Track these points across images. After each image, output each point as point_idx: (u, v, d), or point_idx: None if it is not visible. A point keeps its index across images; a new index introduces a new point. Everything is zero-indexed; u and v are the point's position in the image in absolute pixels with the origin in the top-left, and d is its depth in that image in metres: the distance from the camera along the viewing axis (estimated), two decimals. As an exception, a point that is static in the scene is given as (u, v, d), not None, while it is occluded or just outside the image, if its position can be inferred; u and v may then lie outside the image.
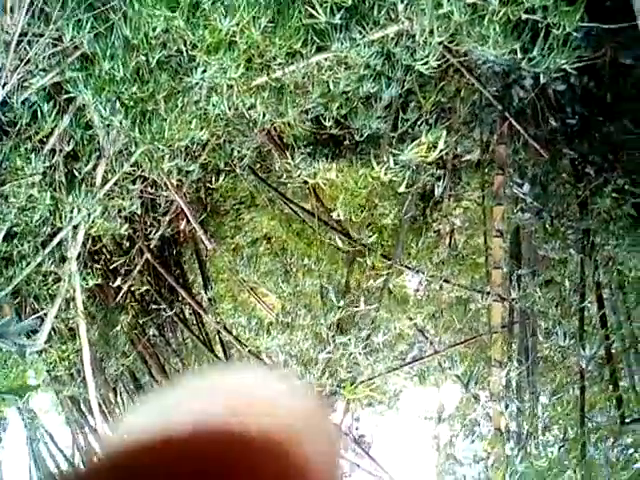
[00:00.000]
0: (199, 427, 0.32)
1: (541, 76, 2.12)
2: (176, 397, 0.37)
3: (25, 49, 2.01)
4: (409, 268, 4.02)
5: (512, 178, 2.94)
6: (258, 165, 4.30)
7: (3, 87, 1.78)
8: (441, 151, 2.39)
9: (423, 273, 4.37)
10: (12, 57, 1.79)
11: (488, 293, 3.14)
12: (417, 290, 4.98)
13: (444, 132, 2.58)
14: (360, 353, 3.93)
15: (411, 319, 4.96)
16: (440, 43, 2.03)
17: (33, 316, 3.72)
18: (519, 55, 2.04)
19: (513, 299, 3.07)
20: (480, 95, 3.63)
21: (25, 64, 1.87)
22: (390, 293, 4.63)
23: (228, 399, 0.35)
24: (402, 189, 2.84)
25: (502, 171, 3.59)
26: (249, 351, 3.63)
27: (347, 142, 3.56)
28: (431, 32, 1.96)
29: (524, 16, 1.95)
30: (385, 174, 2.80)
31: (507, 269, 3.22)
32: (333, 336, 3.84)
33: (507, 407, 3.08)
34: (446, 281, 3.72)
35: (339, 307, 3.86)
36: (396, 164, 2.81)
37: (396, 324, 4.64)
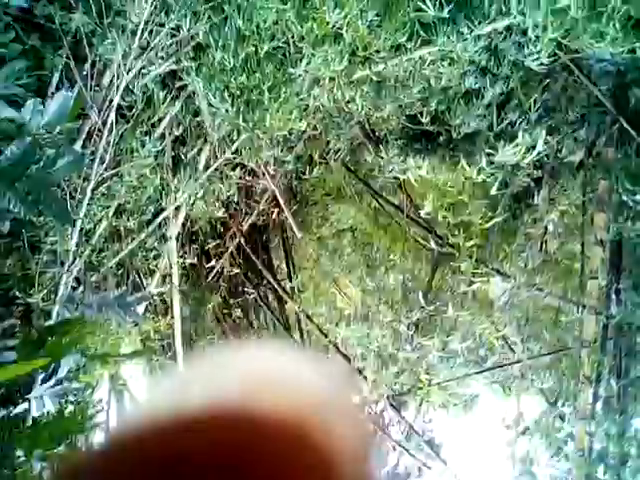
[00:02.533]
0: (214, 410, 0.30)
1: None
2: (192, 376, 0.35)
3: (147, 38, 2.15)
4: (499, 272, 3.88)
5: (622, 184, 2.75)
6: (348, 157, 4.33)
7: (127, 73, 1.94)
8: (539, 153, 2.29)
9: (512, 278, 4.21)
10: (136, 45, 1.93)
11: (583, 305, 2.97)
12: (503, 295, 4.81)
13: (543, 133, 2.47)
14: (439, 355, 3.87)
15: (494, 324, 4.80)
16: (554, 39, 1.94)
17: (133, 288, 4.01)
18: (638, 54, 1.91)
19: (610, 314, 2.89)
20: (588, 94, 3.43)
21: (147, 52, 2.02)
22: (474, 296, 4.51)
23: (245, 379, 0.33)
24: (494, 191, 2.76)
25: (608, 175, 3.37)
26: (329, 341, 3.68)
27: (441, 138, 3.50)
28: (545, 27, 1.88)
29: (649, 12, 1.82)
30: (478, 174, 2.73)
31: (605, 281, 3.03)
32: (412, 335, 3.81)
33: (596, 427, 2.91)
34: (538, 289, 3.55)
35: (421, 307, 3.82)
36: (491, 164, 2.73)
37: (478, 328, 4.52)
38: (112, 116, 1.97)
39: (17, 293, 1.92)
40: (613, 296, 2.88)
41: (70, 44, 2.25)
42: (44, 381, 1.39)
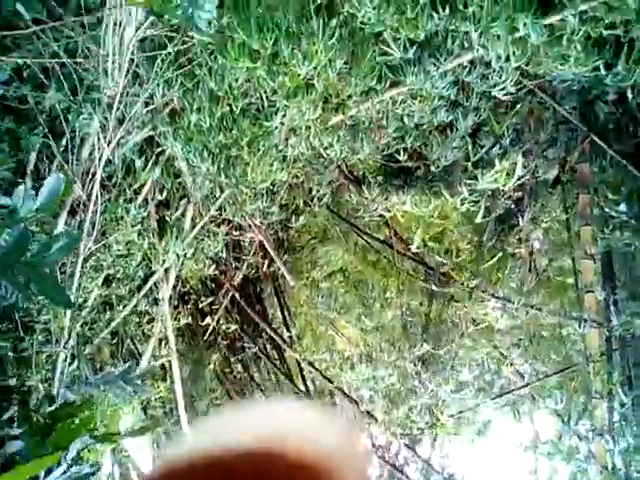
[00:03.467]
0: (239, 452, 0.34)
1: (628, 91, 2.05)
2: (216, 427, 0.39)
3: (122, 110, 2.19)
4: (494, 296, 3.88)
5: (603, 196, 2.80)
6: (331, 200, 4.37)
7: (108, 145, 1.95)
8: (520, 177, 2.34)
9: (508, 300, 4.21)
10: (114, 117, 1.96)
11: (584, 320, 2.97)
12: (502, 318, 4.80)
13: (520, 157, 2.52)
14: (446, 387, 3.82)
15: (496, 347, 4.78)
16: (517, 68, 2.01)
17: (128, 356, 3.92)
18: (603, 72, 1.98)
19: (612, 326, 2.88)
20: (556, 114, 3.53)
21: (125, 123, 2.04)
22: (474, 322, 4.49)
23: (262, 427, 0.36)
24: (479, 219, 2.79)
25: (587, 190, 3.44)
26: (335, 386, 3.61)
27: (420, 172, 3.56)
28: (507, 57, 1.95)
29: (605, 32, 1.90)
30: (462, 204, 2.76)
31: (602, 293, 3.04)
32: (418, 371, 3.76)
33: (614, 443, 2.86)
34: (537, 308, 3.55)
35: (423, 341, 3.79)
36: (472, 193, 2.77)
37: (481, 354, 4.49)
38: (96, 188, 1.97)
39: (13, 377, 1.87)
40: (612, 307, 2.88)
41: (45, 122, 2.27)
42: (53, 468, 1.33)
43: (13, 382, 1.54)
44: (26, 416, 1.39)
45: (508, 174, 2.32)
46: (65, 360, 2.19)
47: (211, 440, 0.36)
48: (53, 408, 1.29)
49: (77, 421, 1.21)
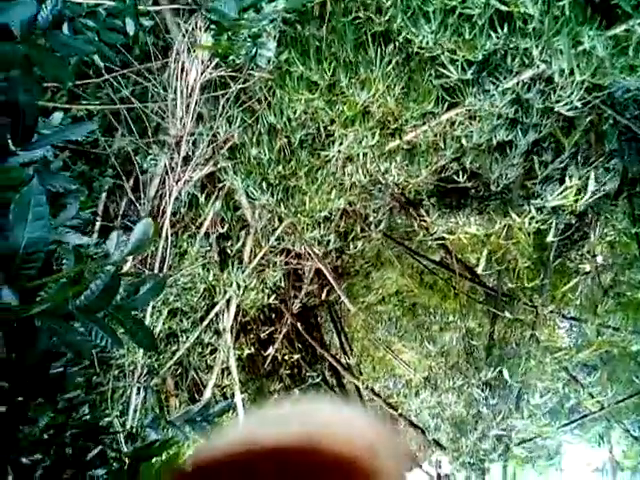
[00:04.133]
0: (284, 442, 0.36)
1: None
2: (260, 421, 0.41)
3: (186, 149, 2.25)
4: (563, 316, 3.72)
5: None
6: (385, 223, 4.34)
7: (177, 183, 2.01)
8: (595, 193, 2.25)
9: (577, 319, 4.03)
10: (182, 157, 2.02)
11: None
12: (570, 337, 4.59)
13: (592, 173, 2.44)
14: (515, 413, 3.66)
15: (566, 369, 4.56)
16: (582, 81, 1.95)
17: (195, 387, 3.97)
18: (675, 79, 1.90)
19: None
20: (616, 125, 3.41)
21: (192, 162, 2.11)
22: (539, 343, 4.31)
23: (303, 423, 0.39)
24: (551, 237, 2.69)
25: (657, 201, 3.28)
26: (399, 414, 3.53)
27: (477, 193, 3.49)
28: (572, 71, 1.90)
29: (676, 39, 1.82)
30: (530, 223, 2.68)
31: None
32: (485, 397, 3.62)
33: None
34: (608, 327, 3.37)
35: (488, 365, 3.66)
36: (539, 211, 2.69)
37: (550, 377, 4.29)
38: (167, 225, 2.03)
39: (89, 415, 1.91)
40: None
41: (115, 164, 2.37)
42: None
43: (95, 420, 1.58)
44: (110, 456, 1.41)
45: (579, 190, 2.24)
46: (138, 393, 2.23)
47: (256, 434, 0.38)
48: (137, 447, 1.31)
49: (163, 460, 1.22)
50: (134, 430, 1.44)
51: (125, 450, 1.37)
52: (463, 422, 3.55)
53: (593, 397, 4.21)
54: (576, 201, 2.26)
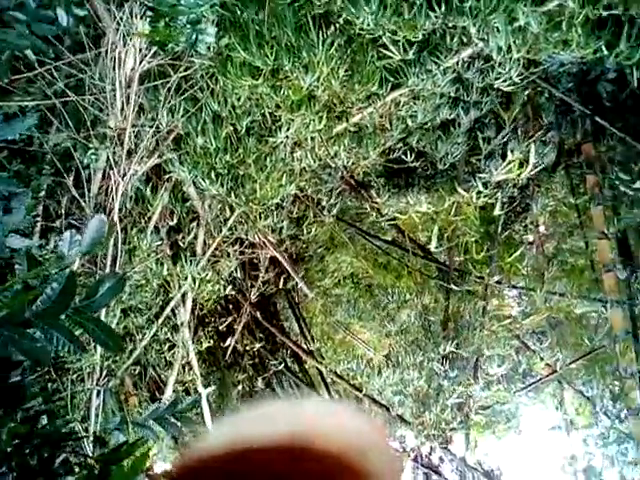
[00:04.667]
0: (272, 442, 0.36)
1: (634, 70, 2.04)
2: (249, 420, 0.40)
3: (129, 142, 2.18)
4: (513, 286, 3.87)
5: (616, 176, 2.79)
6: (338, 207, 4.36)
7: (122, 178, 1.95)
8: (535, 166, 2.33)
9: (525, 288, 4.20)
10: (125, 150, 1.95)
11: (605, 301, 2.95)
12: (520, 306, 4.78)
13: (533, 147, 2.52)
14: (473, 383, 3.79)
15: (518, 337, 4.75)
16: (519, 58, 2.01)
17: (155, 385, 3.90)
18: (605, 52, 1.98)
19: (636, 303, 2.87)
20: (552, 98, 3.54)
21: (136, 155, 2.04)
22: (490, 313, 4.46)
23: (293, 421, 0.38)
24: (498, 211, 2.78)
25: (592, 170, 3.43)
26: (363, 394, 3.59)
27: (425, 172, 3.55)
28: (509, 48, 1.95)
29: (604, 13, 1.90)
30: (478, 198, 2.75)
31: (622, 272, 3.03)
32: (445, 371, 3.73)
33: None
34: (555, 293, 3.53)
35: (445, 338, 3.77)
36: (485, 186, 2.76)
37: (505, 346, 4.46)
38: (116, 220, 1.97)
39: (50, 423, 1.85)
40: (635, 285, 2.86)
41: (53, 161, 2.27)
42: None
43: (57, 427, 1.52)
44: (75, 462, 1.37)
45: (521, 163, 2.31)
46: (98, 396, 2.17)
47: (243, 434, 0.37)
48: (106, 451, 1.27)
49: (132, 462, 1.19)
50: (100, 434, 1.40)
51: (91, 455, 1.33)
52: (425, 396, 3.66)
53: (544, 361, 4.41)
54: (519, 175, 2.33)
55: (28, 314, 0.86)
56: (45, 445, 1.18)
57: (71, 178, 2.36)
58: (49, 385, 2.02)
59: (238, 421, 0.41)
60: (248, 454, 0.35)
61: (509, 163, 2.32)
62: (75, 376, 2.14)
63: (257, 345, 3.81)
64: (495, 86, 2.26)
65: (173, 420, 1.34)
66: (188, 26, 1.45)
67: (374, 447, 0.39)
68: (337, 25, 2.06)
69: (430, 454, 4.42)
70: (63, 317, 0.91)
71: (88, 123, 2.19)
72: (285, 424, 0.38)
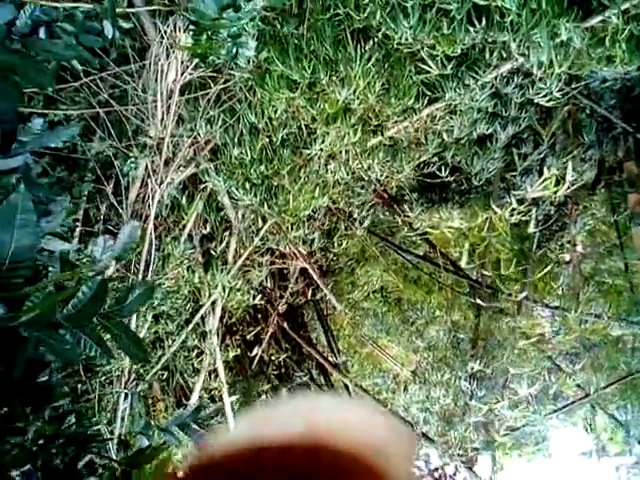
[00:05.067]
0: (289, 439, 0.36)
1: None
2: (266, 417, 0.40)
3: (167, 151, 2.23)
4: (546, 306, 3.78)
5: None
6: (369, 220, 4.35)
7: (159, 186, 1.99)
8: (573, 183, 2.28)
9: (558, 308, 4.09)
10: (163, 159, 2.00)
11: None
12: (553, 327, 4.66)
13: (570, 163, 2.47)
14: (501, 404, 3.70)
15: (550, 358, 4.63)
16: (560, 73, 1.97)
17: (181, 391, 3.94)
18: (650, 69, 1.93)
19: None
20: (593, 115, 3.46)
21: (173, 164, 2.08)
22: (524, 334, 4.36)
23: (313, 418, 0.38)
24: (531, 229, 2.72)
25: (635, 189, 3.34)
26: (388, 409, 3.54)
27: (460, 187, 3.51)
28: (550, 63, 1.92)
29: (650, 30, 1.86)
30: (511, 215, 2.70)
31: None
32: (472, 390, 3.66)
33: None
34: (590, 314, 3.43)
35: (474, 357, 3.70)
36: (520, 203, 2.71)
37: (536, 367, 4.35)
38: (150, 228, 2.01)
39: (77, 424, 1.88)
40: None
41: (95, 168, 2.33)
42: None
43: (83, 429, 1.55)
44: (99, 464, 1.39)
45: (558, 180, 2.27)
46: (125, 400, 2.20)
47: (260, 431, 0.37)
48: (128, 454, 1.29)
49: (153, 466, 1.21)
50: (125, 437, 1.41)
51: (115, 458, 1.35)
52: (451, 414, 3.58)
53: (578, 385, 4.28)
54: (556, 192, 2.29)
55: (59, 316, 0.88)
56: (70, 445, 1.20)
57: (111, 185, 2.43)
58: (79, 387, 2.06)
59: (254, 419, 0.41)
60: (264, 452, 0.35)
61: (545, 180, 2.27)
62: (104, 379, 2.18)
63: (283, 355, 3.81)
64: (535, 101, 2.23)
65: (195, 427, 1.35)
66: (229, 40, 1.48)
67: (390, 445, 0.39)
68: (375, 39, 2.06)
69: (455, 475, 4.32)
70: (94, 321, 0.93)
71: (130, 133, 2.25)
72: (301, 422, 0.37)
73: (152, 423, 1.40)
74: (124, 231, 0.90)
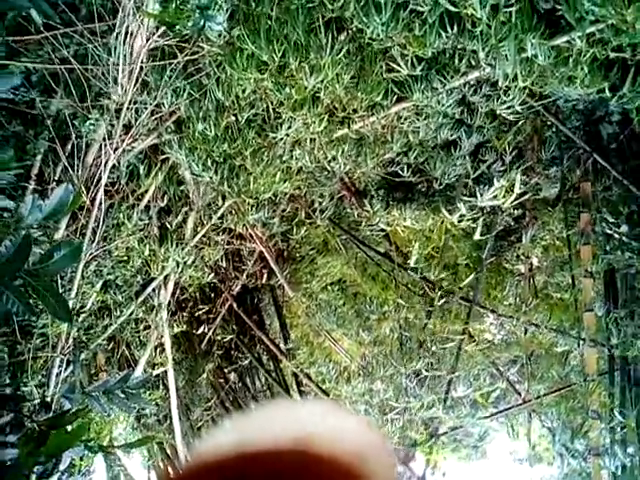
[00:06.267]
0: (275, 446, 0.36)
1: (634, 113, 2.06)
2: (250, 423, 0.40)
3: (129, 117, 2.19)
4: (493, 312, 3.88)
5: (603, 216, 2.80)
6: (331, 211, 4.37)
7: (114, 151, 1.95)
8: (521, 195, 2.34)
9: (506, 316, 4.21)
10: (121, 124, 1.96)
11: (582, 339, 2.96)
12: (500, 334, 4.80)
13: (518, 176, 2.53)
14: (441, 406, 3.80)
15: (494, 364, 4.77)
16: (524, 87, 2.02)
17: (124, 363, 3.90)
18: (608, 94, 1.99)
19: (611, 345, 2.88)
20: (557, 133, 3.55)
21: (132, 130, 2.05)
22: (471, 337, 4.48)
23: (297, 428, 0.38)
24: (477, 236, 2.79)
25: (587, 209, 3.45)
26: (332, 400, 3.59)
27: (420, 188, 3.56)
28: (515, 77, 1.96)
29: (612, 55, 1.91)
30: (459, 221, 2.76)
31: (602, 312, 3.04)
32: (412, 387, 3.74)
33: (612, 462, 2.85)
34: (535, 325, 3.54)
35: (419, 355, 3.78)
36: (471, 209, 2.77)
37: (478, 370, 4.48)
38: (101, 194, 1.97)
39: (7, 384, 1.85)
40: (612, 327, 2.87)
41: (52, 127, 2.27)
42: (45, 476, 1.32)
43: (8, 389, 1.52)
44: (21, 423, 1.37)
45: (508, 191, 2.33)
46: (61, 366, 2.17)
47: (247, 438, 0.37)
48: (49, 416, 1.27)
49: (71, 430, 1.20)
50: (47, 399, 1.40)
51: (37, 419, 1.34)
52: (391, 409, 3.66)
53: (518, 392, 4.43)
54: (503, 203, 2.35)
55: (-20, 270, 0.87)
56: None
57: (68, 147, 2.37)
58: (14, 347, 2.03)
59: (239, 425, 0.41)
60: (249, 459, 0.36)
61: (496, 190, 2.33)
62: (39, 342, 2.14)
63: (232, 337, 3.81)
64: (498, 112, 2.28)
65: (122, 395, 1.35)
66: (197, 11, 1.46)
67: (373, 450, 0.39)
68: (349, 32, 2.07)
69: (396, 464, 4.42)
70: (19, 277, 0.91)
71: (91, 94, 2.20)
72: (285, 428, 0.38)
73: (76, 388, 1.39)
74: (56, 193, 0.89)
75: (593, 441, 3.15)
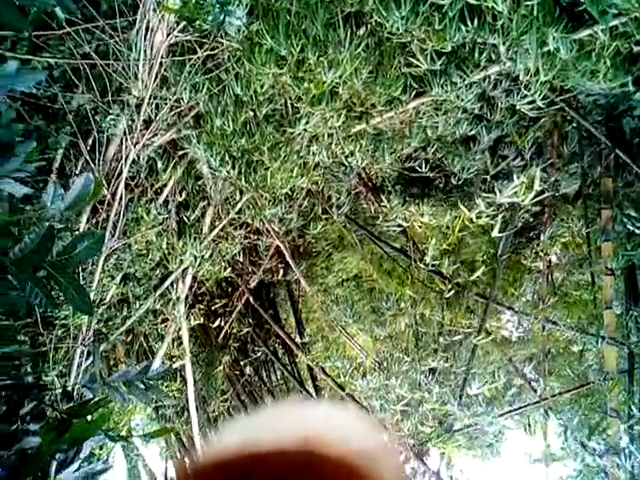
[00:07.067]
0: (281, 447, 0.36)
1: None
2: (257, 423, 0.41)
3: (149, 112, 2.21)
4: (510, 309, 3.85)
5: (624, 212, 2.76)
6: (348, 206, 4.36)
7: (135, 146, 1.98)
8: (541, 192, 2.31)
9: (523, 313, 4.18)
10: (141, 119, 1.98)
11: (602, 337, 2.93)
12: (517, 331, 4.76)
13: (538, 172, 2.50)
14: (456, 402, 3.78)
15: (510, 361, 4.73)
16: (545, 82, 1.99)
17: (142, 354, 3.95)
18: (631, 88, 1.96)
19: (630, 343, 2.84)
20: (578, 128, 3.50)
21: (152, 125, 2.07)
22: (488, 334, 4.45)
23: (305, 428, 0.38)
24: (495, 233, 2.76)
25: (608, 205, 3.39)
26: (346, 394, 3.60)
27: (439, 183, 3.54)
28: (536, 71, 1.94)
29: (635, 48, 1.88)
30: (478, 217, 2.74)
31: (621, 310, 3.00)
32: (427, 384, 3.73)
33: (629, 461, 2.81)
34: (553, 322, 3.51)
35: (434, 351, 3.77)
36: (490, 205, 2.75)
37: (495, 367, 4.45)
38: (121, 188, 2.00)
39: (30, 373, 1.89)
40: (631, 325, 2.83)
41: (74, 122, 2.31)
42: (66, 464, 1.35)
43: (30, 378, 1.56)
44: (43, 412, 1.40)
45: (528, 188, 2.30)
46: (82, 356, 2.21)
47: (253, 438, 0.38)
48: (70, 405, 1.30)
49: (92, 419, 1.22)
50: (70, 389, 1.43)
51: (59, 408, 1.37)
52: (407, 405, 3.66)
53: (534, 390, 4.39)
54: (524, 200, 2.32)
55: (5, 261, 0.88)
56: (17, 391, 1.21)
57: (89, 141, 2.40)
58: (36, 338, 2.07)
59: (247, 425, 0.41)
60: (257, 459, 0.36)
61: (516, 186, 2.31)
62: (60, 332, 2.18)
63: (248, 330, 3.83)
64: (518, 107, 2.25)
65: (142, 386, 1.37)
66: (217, 6, 1.47)
67: (381, 451, 0.39)
68: (368, 26, 2.06)
69: (404, 463, 4.42)
70: (41, 269, 0.93)
71: (112, 89, 2.23)
72: (291, 428, 0.38)
73: (97, 378, 1.42)
74: (77, 182, 0.90)
75: (611, 439, 3.12)
